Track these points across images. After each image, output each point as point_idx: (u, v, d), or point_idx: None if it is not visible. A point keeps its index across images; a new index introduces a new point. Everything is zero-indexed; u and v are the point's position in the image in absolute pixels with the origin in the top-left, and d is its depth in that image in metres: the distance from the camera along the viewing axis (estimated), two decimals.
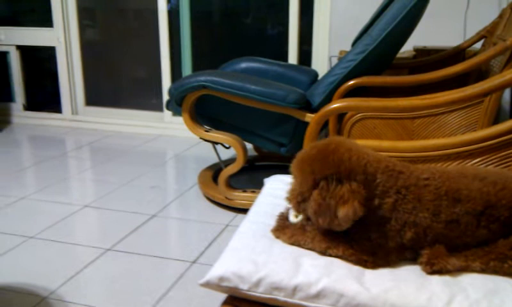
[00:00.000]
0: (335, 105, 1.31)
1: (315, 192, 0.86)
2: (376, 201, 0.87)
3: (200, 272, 1.66)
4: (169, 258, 1.76)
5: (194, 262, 1.72)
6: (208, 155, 2.97)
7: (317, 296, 0.81)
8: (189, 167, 2.84)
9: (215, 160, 2.79)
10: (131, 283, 1.60)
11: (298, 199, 0.92)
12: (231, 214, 2.12)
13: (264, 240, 0.95)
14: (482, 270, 0.86)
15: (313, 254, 0.90)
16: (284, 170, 2.62)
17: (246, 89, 1.89)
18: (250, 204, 2.09)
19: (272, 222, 1.01)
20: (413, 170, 0.93)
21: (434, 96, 1.19)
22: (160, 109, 3.61)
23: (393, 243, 0.87)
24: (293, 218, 0.98)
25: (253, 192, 2.11)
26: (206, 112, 2.16)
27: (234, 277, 0.84)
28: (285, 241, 0.94)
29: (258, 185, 2.37)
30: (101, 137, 3.49)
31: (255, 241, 0.94)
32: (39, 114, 3.85)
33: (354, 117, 1.89)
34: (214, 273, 0.85)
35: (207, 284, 0.85)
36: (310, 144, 0.95)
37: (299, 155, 0.93)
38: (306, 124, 1.90)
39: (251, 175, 2.47)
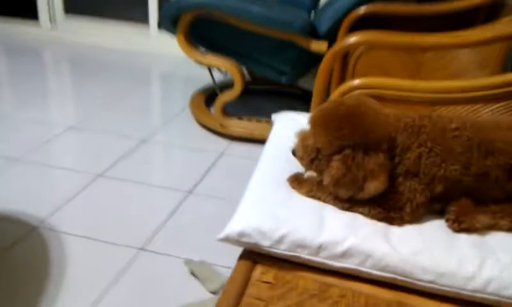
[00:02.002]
0: (355, 38, 1.21)
1: (338, 159, 0.80)
2: (397, 159, 0.83)
3: (197, 203, 1.62)
4: (164, 186, 1.70)
5: (190, 192, 1.67)
6: (198, 76, 2.83)
7: (343, 255, 0.77)
8: (178, 88, 2.72)
9: (205, 81, 2.67)
10: (125, 212, 1.55)
11: (312, 156, 0.86)
12: (225, 142, 2.05)
13: (283, 190, 0.89)
14: (511, 229, 0.84)
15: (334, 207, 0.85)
16: (279, 96, 2.53)
17: (248, 12, 1.74)
18: (246, 133, 2.03)
19: (288, 169, 0.95)
20: (437, 121, 0.87)
21: (466, 34, 1.09)
22: (145, 22, 3.38)
23: (423, 197, 0.83)
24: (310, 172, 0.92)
25: (250, 120, 2.03)
26: (202, 33, 2.01)
27: (255, 233, 0.79)
28: (303, 194, 0.88)
29: (254, 112, 2.29)
30: (82, 50, 3.28)
31: (272, 192, 0.88)
32: (14, 21, 3.57)
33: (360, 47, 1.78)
34: (233, 228, 0.80)
35: (226, 239, 0.80)
36: (334, 98, 0.87)
37: (323, 110, 0.86)
38: (310, 52, 1.79)
39: (245, 100, 2.37)
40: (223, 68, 1.95)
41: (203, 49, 2.02)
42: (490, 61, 1.70)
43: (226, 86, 2.27)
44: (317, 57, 1.88)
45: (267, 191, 0.89)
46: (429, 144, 0.83)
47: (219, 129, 2.04)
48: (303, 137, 0.91)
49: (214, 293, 1.18)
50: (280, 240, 0.78)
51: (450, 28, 1.75)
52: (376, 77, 1.32)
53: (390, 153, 0.83)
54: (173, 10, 1.88)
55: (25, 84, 2.59)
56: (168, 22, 1.97)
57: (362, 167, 0.79)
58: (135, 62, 3.09)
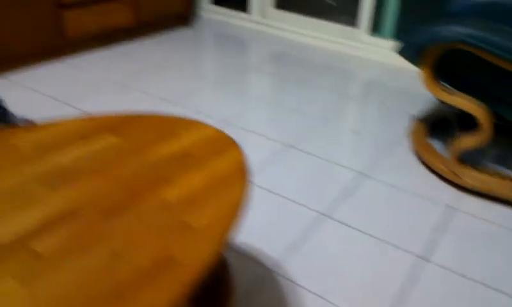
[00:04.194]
0: None
1: None
2: None
3: (434, 277, 1.44)
4: (392, 243, 1.56)
5: (424, 260, 1.50)
6: (415, 90, 2.59)
7: None
8: (394, 105, 2.52)
9: (425, 98, 2.43)
10: (355, 271, 1.43)
11: None
12: (453, 191, 1.82)
13: None
14: None
15: None
16: None
17: None
18: (483, 188, 1.74)
19: None
20: None
21: None
22: (353, 25, 3.23)
23: None
24: None
25: (490, 173, 1.76)
26: (446, 66, 1.78)
27: None
28: None
29: (499, 162, 1.99)
30: (286, 47, 3.27)
31: None
32: (225, 11, 3.72)
33: None
34: None
35: None
36: None
37: None
38: None
39: None
40: (470, 112, 1.71)
41: (443, 83, 1.79)
42: None
43: (438, 110, 2.02)
44: None
45: None
46: None
47: (451, 177, 1.82)
48: None
49: None
50: None
51: None
52: None
53: None
54: (426, 39, 1.68)
55: (234, 83, 2.66)
56: (413, 50, 1.78)
57: None
58: (343, 68, 2.97)
